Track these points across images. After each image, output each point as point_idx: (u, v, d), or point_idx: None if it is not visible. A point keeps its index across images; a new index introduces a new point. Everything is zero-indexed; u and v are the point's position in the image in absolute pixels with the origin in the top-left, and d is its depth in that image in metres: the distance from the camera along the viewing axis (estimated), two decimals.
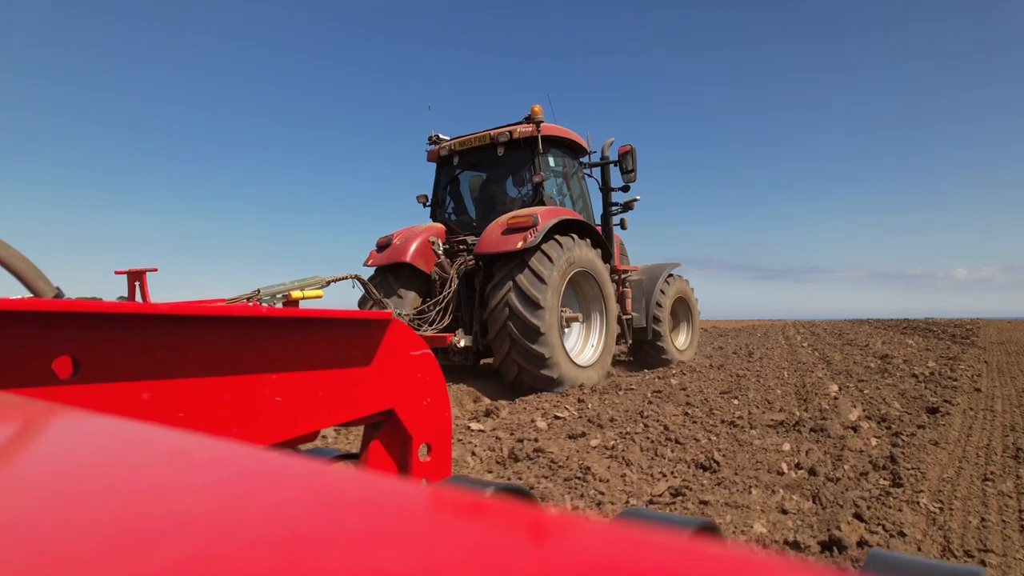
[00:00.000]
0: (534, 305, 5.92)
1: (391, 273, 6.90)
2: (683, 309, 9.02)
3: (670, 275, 8.65)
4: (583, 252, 6.58)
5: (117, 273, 4.38)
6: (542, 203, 6.91)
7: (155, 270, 4.46)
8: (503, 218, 6.41)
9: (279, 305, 5.19)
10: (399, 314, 6.39)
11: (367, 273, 7.14)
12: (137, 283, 4.26)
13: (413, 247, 6.88)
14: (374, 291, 6.36)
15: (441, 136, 7.75)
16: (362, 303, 6.75)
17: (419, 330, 6.33)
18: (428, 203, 7.80)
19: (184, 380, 0.59)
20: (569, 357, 6.34)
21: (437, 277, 6.82)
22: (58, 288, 0.60)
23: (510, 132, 7.02)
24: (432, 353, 0.94)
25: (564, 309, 6.47)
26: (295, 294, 5.29)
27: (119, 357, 0.55)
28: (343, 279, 6.34)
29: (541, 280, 5.99)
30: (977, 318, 25.42)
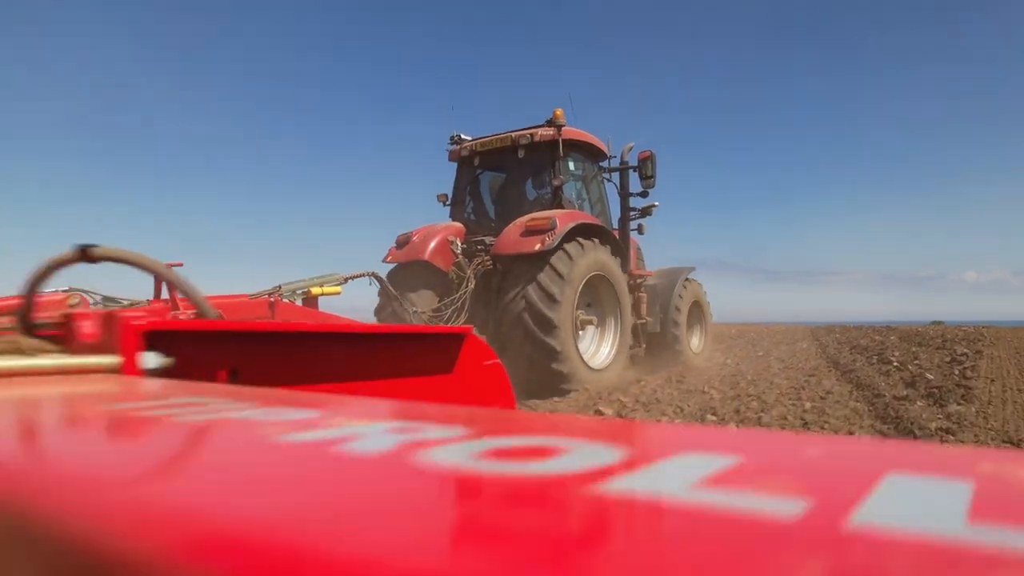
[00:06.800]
0: (551, 299, 6.01)
1: (409, 270, 7.00)
2: (696, 312, 9.13)
3: (686, 279, 8.76)
4: (601, 256, 6.68)
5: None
6: (561, 206, 7.01)
7: (180, 265, 4.59)
8: (521, 220, 6.50)
9: (299, 301, 5.31)
10: (415, 312, 6.50)
11: (385, 269, 7.24)
12: (164, 282, 4.40)
13: (432, 245, 6.98)
14: (391, 288, 6.51)
15: (463, 136, 7.85)
16: (381, 300, 6.87)
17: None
18: (448, 202, 7.91)
19: (316, 385, 0.70)
20: (582, 358, 6.43)
21: (455, 276, 6.93)
22: (219, 312, 0.70)
23: (531, 135, 7.12)
24: (501, 363, 1.05)
25: (579, 312, 6.56)
26: (315, 290, 5.45)
27: (267, 367, 0.66)
28: (361, 276, 6.50)
29: (560, 276, 6.09)
30: (987, 324, 20.79)
